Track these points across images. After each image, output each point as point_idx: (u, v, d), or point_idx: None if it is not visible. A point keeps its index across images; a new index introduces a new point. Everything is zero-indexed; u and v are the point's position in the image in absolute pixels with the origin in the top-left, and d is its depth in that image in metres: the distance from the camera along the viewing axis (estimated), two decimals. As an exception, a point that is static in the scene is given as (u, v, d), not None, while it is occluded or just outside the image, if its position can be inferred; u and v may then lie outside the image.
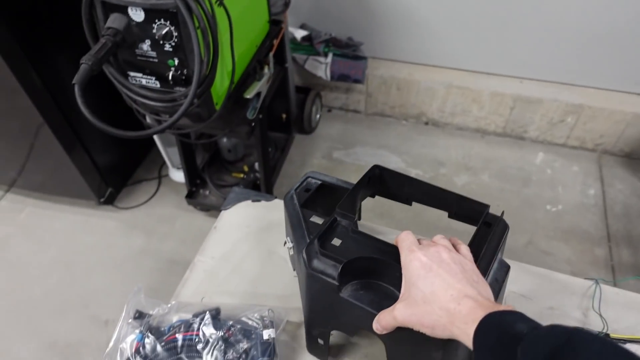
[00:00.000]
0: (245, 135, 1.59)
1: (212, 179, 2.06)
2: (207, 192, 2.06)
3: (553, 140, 2.30)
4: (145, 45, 1.12)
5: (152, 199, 2.17)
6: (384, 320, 0.55)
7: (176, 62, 1.13)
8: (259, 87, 1.46)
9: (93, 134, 1.92)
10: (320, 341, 0.69)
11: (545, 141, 2.31)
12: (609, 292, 0.80)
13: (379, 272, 0.60)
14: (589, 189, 2.09)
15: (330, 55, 2.30)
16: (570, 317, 0.77)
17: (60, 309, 1.77)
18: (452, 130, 2.42)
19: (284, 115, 2.25)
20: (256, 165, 2.04)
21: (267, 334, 0.72)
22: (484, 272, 0.59)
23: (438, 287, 0.50)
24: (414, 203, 0.75)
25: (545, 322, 0.78)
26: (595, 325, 0.76)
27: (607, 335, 0.74)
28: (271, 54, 1.60)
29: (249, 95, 1.42)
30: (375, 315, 0.56)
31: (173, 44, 1.10)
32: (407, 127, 2.46)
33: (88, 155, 1.94)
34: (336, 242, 0.63)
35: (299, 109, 2.31)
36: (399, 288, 0.57)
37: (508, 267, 0.64)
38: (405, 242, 0.57)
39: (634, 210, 1.98)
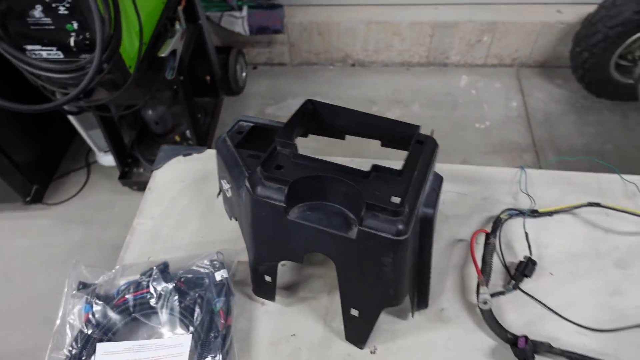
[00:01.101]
0: (169, 99, 1.53)
1: (144, 156, 1.97)
2: (142, 170, 1.98)
3: (474, 62, 2.37)
4: (37, 12, 1.02)
5: (83, 188, 2.06)
6: None
7: (75, 25, 1.05)
8: (173, 44, 1.40)
9: (6, 131, 1.78)
10: (268, 278, 0.69)
11: (467, 64, 2.39)
12: (533, 174, 0.85)
13: (325, 191, 0.60)
14: (512, 102, 2.19)
15: (245, 8, 2.22)
16: (502, 203, 0.81)
17: (4, 319, 1.68)
18: (378, 67, 2.44)
19: (207, 78, 2.17)
20: (187, 133, 1.97)
21: (219, 275, 0.72)
22: (420, 184, 0.60)
23: None
24: (347, 139, 0.75)
25: (480, 211, 0.83)
26: (524, 204, 0.81)
27: (535, 211, 0.79)
28: (180, 9, 1.52)
29: (163, 53, 1.35)
30: (325, 232, 0.57)
31: (68, 5, 1.01)
32: (334, 72, 2.45)
33: (4, 155, 1.80)
34: (279, 169, 0.62)
35: (222, 70, 2.23)
36: (347, 206, 0.57)
37: (441, 179, 0.66)
38: None
39: (553, 115, 2.11)
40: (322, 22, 2.31)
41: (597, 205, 0.77)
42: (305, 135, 0.77)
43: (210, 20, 2.25)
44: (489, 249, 0.72)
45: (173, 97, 1.53)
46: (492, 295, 0.71)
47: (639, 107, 2.06)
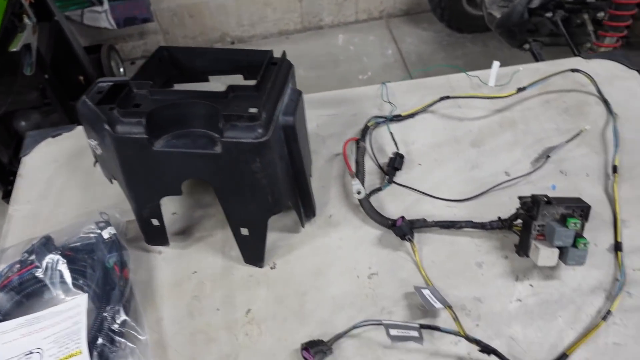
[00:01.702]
0: (38, 99, 1.44)
1: (27, 170, 1.84)
2: (28, 186, 1.84)
3: (346, 20, 2.48)
4: None
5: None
6: None
7: None
8: (25, 38, 1.32)
9: None
10: (155, 222, 0.70)
11: (340, 23, 2.48)
12: (394, 86, 0.93)
13: (186, 118, 0.61)
14: (387, 51, 2.33)
15: (105, 1, 2.12)
16: (369, 114, 0.88)
17: None
18: (258, 41, 2.46)
19: (81, 78, 2.05)
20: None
21: (107, 233, 0.71)
22: (277, 96, 0.64)
23: None
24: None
25: (352, 126, 0.89)
26: (387, 110, 0.88)
27: (397, 115, 0.87)
28: (26, 3, 1.43)
29: (15, 47, 1.27)
30: (193, 155, 0.58)
31: None
32: (215, 53, 2.44)
33: None
34: (137, 107, 0.63)
35: (96, 70, 2.13)
36: (210, 127, 0.59)
37: (300, 92, 0.70)
38: None
39: (425, 54, 2.28)
40: (192, 4, 2.27)
41: (447, 97, 0.87)
42: (169, 85, 0.77)
43: (71, 19, 2.12)
44: (359, 151, 0.78)
45: (42, 96, 1.44)
46: (371, 192, 0.77)
47: (495, 35, 2.28)
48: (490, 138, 0.84)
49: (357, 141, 0.80)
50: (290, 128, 0.64)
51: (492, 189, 0.77)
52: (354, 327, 0.63)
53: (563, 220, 0.64)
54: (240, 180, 0.61)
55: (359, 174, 0.76)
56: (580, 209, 0.65)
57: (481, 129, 0.86)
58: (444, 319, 0.65)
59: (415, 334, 0.60)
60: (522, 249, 0.67)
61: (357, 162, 0.77)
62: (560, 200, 0.65)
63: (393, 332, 0.61)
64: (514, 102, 0.89)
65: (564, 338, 0.63)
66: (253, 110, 0.60)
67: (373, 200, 0.78)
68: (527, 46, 1.65)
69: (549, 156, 0.78)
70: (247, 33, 2.42)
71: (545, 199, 0.65)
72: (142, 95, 0.64)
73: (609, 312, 0.63)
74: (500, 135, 0.84)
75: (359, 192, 0.70)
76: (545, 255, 0.64)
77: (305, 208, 0.73)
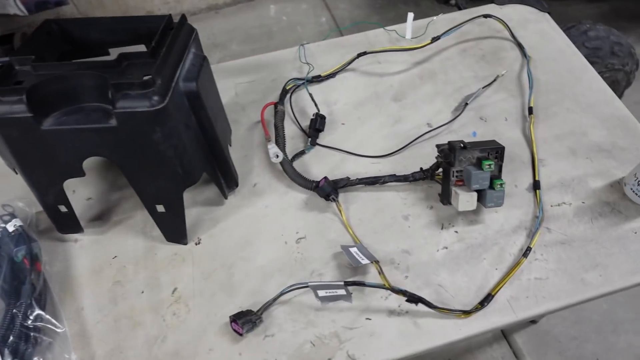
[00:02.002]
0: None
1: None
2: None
3: (277, -10, 2.41)
4: None
5: None
6: None
7: None
8: None
9: None
10: (63, 208, 0.65)
11: (271, -7, 2.41)
12: (312, 47, 0.91)
13: (76, 92, 0.56)
14: (321, 18, 2.28)
15: (11, -14, 1.96)
16: (289, 75, 0.85)
17: None
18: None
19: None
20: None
21: (11, 225, 0.66)
22: (176, 61, 0.60)
23: None
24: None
25: (272, 91, 0.86)
26: (305, 71, 0.86)
27: (317, 76, 0.84)
28: None
29: None
30: (87, 131, 0.54)
31: None
32: (142, 34, 2.31)
33: None
34: (18, 84, 0.57)
35: (12, 60, 1.97)
36: (103, 99, 0.55)
37: (204, 57, 0.66)
38: None
39: (359, 19, 2.25)
40: (110, -18, 2.14)
41: (364, 53, 0.85)
42: (64, 59, 0.71)
43: (-24, 8, 1.95)
44: (278, 116, 0.76)
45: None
46: (295, 156, 0.75)
47: (427, -5, 2.29)
48: (411, 91, 0.84)
49: (276, 105, 0.77)
50: (193, 94, 0.60)
51: (414, 142, 0.76)
52: (282, 294, 0.62)
53: (479, 164, 0.64)
54: (143, 154, 0.58)
55: (279, 138, 0.73)
56: (495, 151, 0.65)
57: (402, 82, 0.85)
58: (373, 275, 0.64)
59: (342, 292, 0.60)
60: (445, 197, 0.68)
61: (276, 127, 0.75)
62: (476, 145, 0.65)
63: (321, 293, 0.60)
64: (432, 54, 0.88)
65: (489, 279, 0.64)
66: (146, 77, 0.56)
67: (297, 164, 0.76)
68: (452, 1, 1.65)
69: (467, 104, 0.79)
70: (173, 10, 2.31)
71: (462, 144, 0.65)
72: (25, 71, 0.59)
73: (529, 249, 0.65)
74: (420, 87, 0.84)
75: (277, 156, 0.68)
76: (465, 199, 0.64)
77: (226, 178, 0.70)
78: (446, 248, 0.67)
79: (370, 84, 0.85)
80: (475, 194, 0.64)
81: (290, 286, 0.61)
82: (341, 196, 0.72)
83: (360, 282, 0.58)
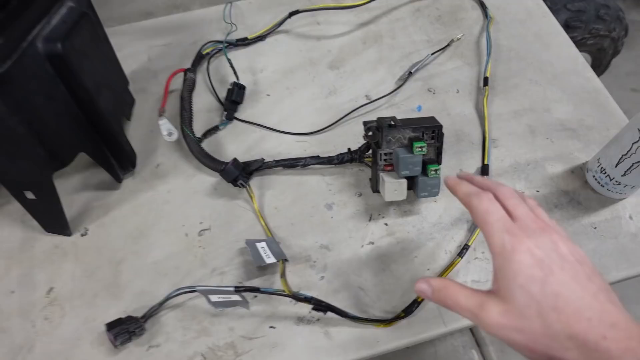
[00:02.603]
0: None
1: None
2: None
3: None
4: None
5: None
6: (449, 300, 0.37)
7: None
8: None
9: None
10: (31, 195, 0.54)
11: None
12: (244, 4, 0.78)
13: None
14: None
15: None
16: (212, 38, 0.73)
17: None
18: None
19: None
20: None
21: None
22: (37, 16, 0.48)
23: (565, 302, 0.32)
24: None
25: (191, 56, 0.74)
26: (235, 34, 0.74)
27: (243, 39, 0.73)
28: None
29: None
30: None
31: None
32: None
33: None
34: None
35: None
36: None
37: (85, 14, 0.54)
38: (494, 215, 0.36)
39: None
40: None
41: (297, 12, 0.73)
42: None
43: None
44: (186, 85, 0.65)
45: None
46: (208, 132, 0.65)
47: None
48: (352, 57, 0.72)
49: (185, 72, 0.66)
50: (58, 58, 0.49)
51: (347, 117, 0.65)
52: (167, 298, 0.52)
53: (411, 146, 0.53)
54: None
55: (185, 112, 0.62)
56: (430, 130, 0.55)
57: (342, 47, 0.73)
58: (287, 274, 0.55)
59: (237, 297, 0.50)
60: (374, 182, 0.57)
61: (182, 98, 0.63)
62: (409, 123, 0.55)
63: (213, 298, 0.51)
64: (380, 13, 0.76)
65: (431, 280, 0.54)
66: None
67: (210, 142, 0.65)
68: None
69: (411, 73, 0.67)
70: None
71: (391, 122, 0.54)
72: None
73: (466, 247, 0.55)
74: (363, 53, 0.72)
75: (169, 134, 0.57)
76: (392, 188, 0.54)
77: (119, 159, 0.60)
78: (372, 243, 0.57)
79: (304, 48, 0.73)
80: (404, 182, 0.54)
81: (177, 290, 0.52)
82: (256, 180, 0.62)
83: (254, 287, 0.49)
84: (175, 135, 0.57)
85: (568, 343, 0.31)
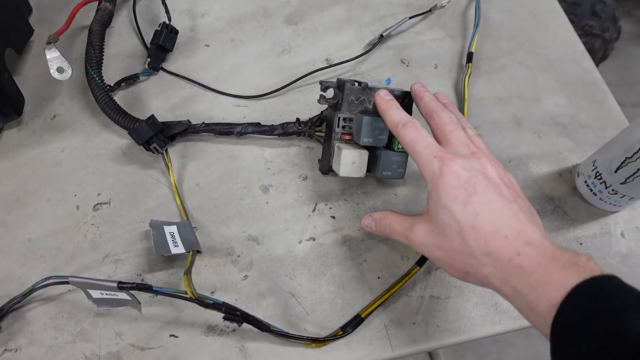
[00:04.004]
0: None
1: None
2: None
3: None
4: None
5: None
6: (387, 228, 0.39)
7: None
8: None
9: None
10: None
11: None
12: None
13: None
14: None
15: None
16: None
17: None
18: None
19: None
20: None
21: None
22: None
23: (484, 221, 0.33)
24: None
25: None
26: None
27: (182, -29, 0.59)
28: None
29: None
30: None
31: None
32: None
33: None
34: None
35: None
36: None
37: None
38: (421, 143, 0.36)
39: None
40: None
41: (254, -52, 0.60)
42: None
43: None
44: (97, 15, 0.50)
45: None
46: (124, 80, 0.51)
47: None
48: (314, 13, 0.60)
49: (100, 1, 0.52)
50: None
51: (300, 81, 0.53)
52: (32, 290, 0.39)
53: (377, 112, 0.42)
54: None
55: (91, 49, 0.49)
56: (400, 98, 0.44)
57: (304, 0, 0.61)
58: (195, 272, 0.43)
59: (125, 296, 0.38)
60: (325, 160, 0.45)
61: (90, 32, 0.50)
62: (377, 88, 0.43)
63: (95, 294, 0.38)
64: (355, -33, 0.64)
65: (366, 291, 0.43)
66: None
67: (125, 93, 0.52)
68: None
69: (382, 36, 0.56)
70: None
71: (355, 81, 0.43)
72: None
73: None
74: (328, 9, 0.60)
75: (60, 70, 0.43)
76: (349, 159, 0.42)
77: (-2, 102, 0.46)
78: (313, 239, 0.45)
79: (259, -5, 0.61)
80: (365, 153, 0.43)
81: (45, 279, 0.39)
82: (178, 148, 0.49)
83: (143, 285, 0.36)
84: (68, 73, 0.44)
85: (484, 259, 0.32)
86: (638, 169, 0.41)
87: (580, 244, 0.46)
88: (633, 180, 0.42)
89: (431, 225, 0.35)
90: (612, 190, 0.45)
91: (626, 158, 0.42)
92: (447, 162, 0.34)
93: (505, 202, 0.33)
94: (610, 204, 0.46)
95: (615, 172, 0.43)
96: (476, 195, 0.33)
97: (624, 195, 0.45)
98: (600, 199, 0.47)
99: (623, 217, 0.48)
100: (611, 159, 0.44)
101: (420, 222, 0.36)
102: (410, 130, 0.37)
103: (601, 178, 0.45)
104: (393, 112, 0.39)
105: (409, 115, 0.39)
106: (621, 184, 0.44)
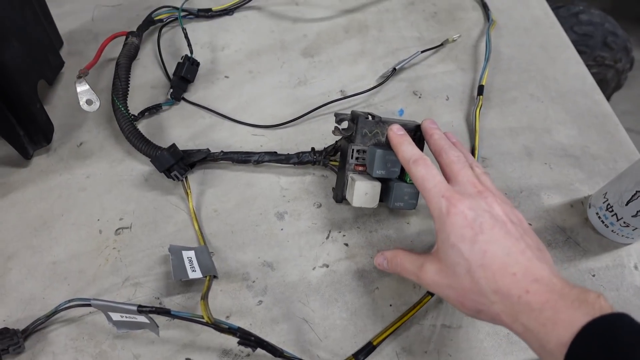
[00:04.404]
0: None
1: None
2: None
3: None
4: None
5: None
6: (399, 266, 0.40)
7: None
8: None
9: None
10: None
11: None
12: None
13: None
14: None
15: None
16: (171, 3, 0.62)
17: None
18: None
19: None
20: None
21: None
22: None
23: (492, 259, 0.33)
24: None
25: (140, 21, 0.64)
26: (197, 3, 0.64)
27: (206, 10, 0.62)
28: None
29: None
30: None
31: None
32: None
33: None
34: None
35: None
36: None
37: None
38: (431, 181, 0.37)
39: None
40: None
41: (273, -15, 0.63)
42: None
43: None
44: (124, 50, 0.53)
45: None
46: (147, 110, 0.54)
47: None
48: (330, 46, 0.62)
49: (127, 36, 0.55)
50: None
51: (315, 112, 0.55)
52: (56, 311, 0.41)
53: (389, 144, 0.43)
54: None
55: (118, 81, 0.51)
56: (412, 131, 0.45)
57: (320, 33, 0.63)
58: (213, 296, 0.44)
59: (144, 319, 0.39)
60: (339, 189, 0.47)
61: (117, 65, 0.52)
62: (390, 120, 0.45)
63: (115, 316, 0.40)
64: (369, 2, 0.66)
65: (378, 319, 0.44)
66: None
67: (148, 122, 0.54)
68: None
69: (395, 69, 0.58)
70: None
71: (369, 114, 0.44)
72: None
73: (439, 283, 0.44)
74: (343, 42, 0.62)
75: (88, 102, 0.46)
76: (363, 190, 0.43)
77: (28, 130, 0.49)
78: (327, 266, 0.46)
79: (277, 29, 0.63)
80: (378, 184, 0.44)
81: (68, 301, 0.40)
82: (197, 175, 0.51)
83: (162, 309, 0.37)
84: (97, 105, 0.46)
85: (494, 297, 0.32)
86: (649, 202, 0.42)
87: (593, 275, 0.47)
88: (644, 213, 0.43)
89: (441, 264, 0.36)
90: (624, 222, 0.45)
91: (637, 191, 0.42)
92: (454, 202, 0.35)
93: (512, 239, 0.34)
94: (622, 236, 0.47)
95: (627, 204, 0.44)
96: (483, 234, 0.34)
97: (636, 228, 0.45)
98: (612, 230, 0.47)
99: (636, 250, 0.48)
100: (622, 192, 0.44)
101: (430, 262, 0.37)
102: (421, 168, 0.38)
103: (612, 210, 0.46)
104: (405, 148, 0.40)
105: (420, 152, 0.40)
106: (632, 216, 0.44)
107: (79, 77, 0.45)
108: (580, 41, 0.97)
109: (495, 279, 0.32)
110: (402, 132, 0.42)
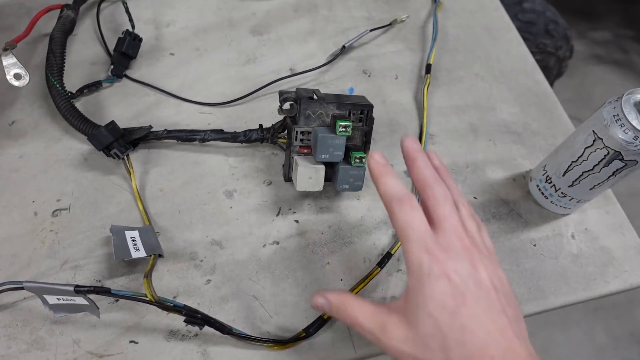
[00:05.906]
0: None
1: None
2: None
3: None
4: None
5: None
6: (349, 319, 0.34)
7: None
8: None
9: None
10: None
11: None
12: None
13: None
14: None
15: None
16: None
17: None
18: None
19: None
20: None
21: None
22: None
23: (472, 337, 0.30)
24: None
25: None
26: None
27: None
28: None
29: None
30: None
31: None
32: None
33: None
34: None
35: None
36: None
37: None
38: (415, 231, 0.32)
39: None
40: None
41: (220, -39, 0.61)
42: None
43: None
44: (59, 23, 0.50)
45: None
46: (86, 87, 0.51)
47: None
48: (279, 24, 0.61)
49: (62, 8, 0.52)
50: None
51: (264, 89, 0.54)
52: (-15, 295, 0.38)
53: (334, 125, 0.43)
54: None
55: (52, 55, 0.48)
56: (359, 110, 0.45)
57: (269, 12, 0.62)
58: (157, 276, 0.43)
59: (83, 301, 0.37)
60: (286, 168, 0.46)
61: (51, 39, 0.49)
62: (334, 98, 0.44)
63: (51, 299, 0.38)
64: (319, -19, 0.66)
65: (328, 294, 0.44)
66: None
67: (90, 100, 0.52)
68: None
69: (344, 47, 0.57)
70: None
71: (314, 94, 0.44)
72: None
73: (388, 256, 0.45)
74: (292, 21, 0.62)
75: (17, 76, 0.43)
76: (306, 174, 0.43)
77: (-48, 106, 0.45)
78: (277, 243, 0.46)
79: (225, 7, 0.62)
80: (322, 168, 0.44)
81: (1, 284, 0.38)
82: (141, 154, 0.49)
83: (101, 288, 0.36)
84: (26, 79, 0.43)
85: None
86: (583, 172, 0.44)
87: (534, 245, 0.48)
88: (579, 182, 0.45)
89: (410, 332, 0.31)
90: (562, 193, 0.47)
91: (572, 162, 0.44)
92: (438, 261, 0.31)
93: (495, 313, 0.31)
94: (560, 206, 0.49)
95: (563, 175, 0.46)
96: (466, 307, 0.30)
97: (572, 198, 0.47)
98: (551, 202, 0.49)
99: (573, 220, 0.50)
100: (559, 163, 0.46)
101: (396, 325, 0.32)
102: (406, 210, 0.32)
103: (551, 182, 0.48)
104: (389, 182, 0.34)
105: (405, 189, 0.34)
106: (569, 186, 0.46)
107: (5, 49, 0.42)
108: (524, 28, 1.01)
109: (471, 356, 0.29)
110: (384, 161, 0.35)
